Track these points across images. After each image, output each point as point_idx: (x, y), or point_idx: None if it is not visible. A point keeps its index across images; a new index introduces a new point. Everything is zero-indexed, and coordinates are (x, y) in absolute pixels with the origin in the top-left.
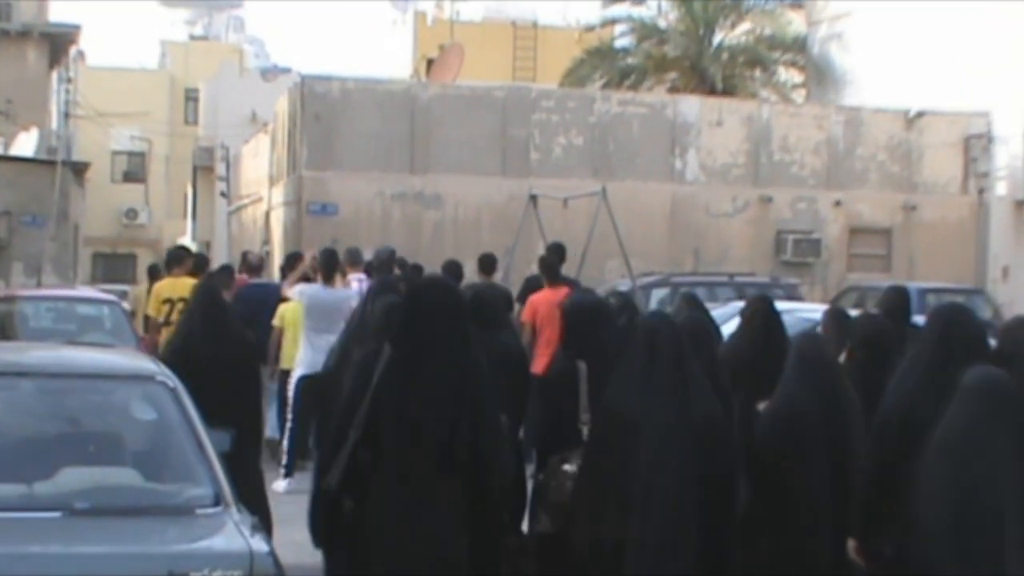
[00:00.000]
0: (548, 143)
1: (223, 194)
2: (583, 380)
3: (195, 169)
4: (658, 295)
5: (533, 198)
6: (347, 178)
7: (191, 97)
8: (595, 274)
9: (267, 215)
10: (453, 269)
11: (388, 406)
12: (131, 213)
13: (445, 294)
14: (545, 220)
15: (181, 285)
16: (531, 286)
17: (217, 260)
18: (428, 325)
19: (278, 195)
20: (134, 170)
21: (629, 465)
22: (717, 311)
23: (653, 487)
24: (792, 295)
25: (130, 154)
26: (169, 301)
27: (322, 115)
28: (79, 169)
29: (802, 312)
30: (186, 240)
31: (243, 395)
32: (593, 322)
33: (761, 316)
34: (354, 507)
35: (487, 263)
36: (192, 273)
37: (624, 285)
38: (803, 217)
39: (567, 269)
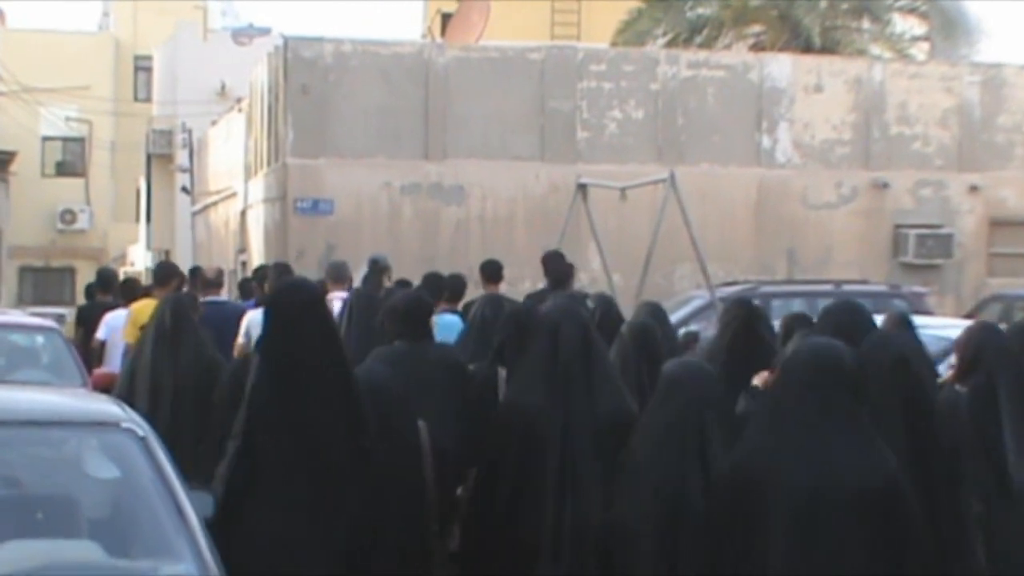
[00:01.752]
0: (599, 118)
1: (185, 190)
2: (503, 386)
3: (149, 158)
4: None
5: (581, 188)
6: (344, 167)
7: (142, 67)
8: (662, 283)
9: (243, 215)
10: (430, 282)
11: (262, 415)
12: (68, 215)
13: (302, 296)
14: (597, 216)
15: None
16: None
17: None
18: (290, 329)
19: (257, 190)
20: (71, 160)
21: (534, 464)
22: None
23: (559, 486)
24: (917, 307)
25: (65, 140)
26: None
27: (311, 87)
28: (1, 160)
29: (931, 329)
30: (139, 249)
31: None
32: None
33: (740, 321)
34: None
35: (491, 271)
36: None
37: (700, 297)
38: (928, 207)
39: (626, 275)
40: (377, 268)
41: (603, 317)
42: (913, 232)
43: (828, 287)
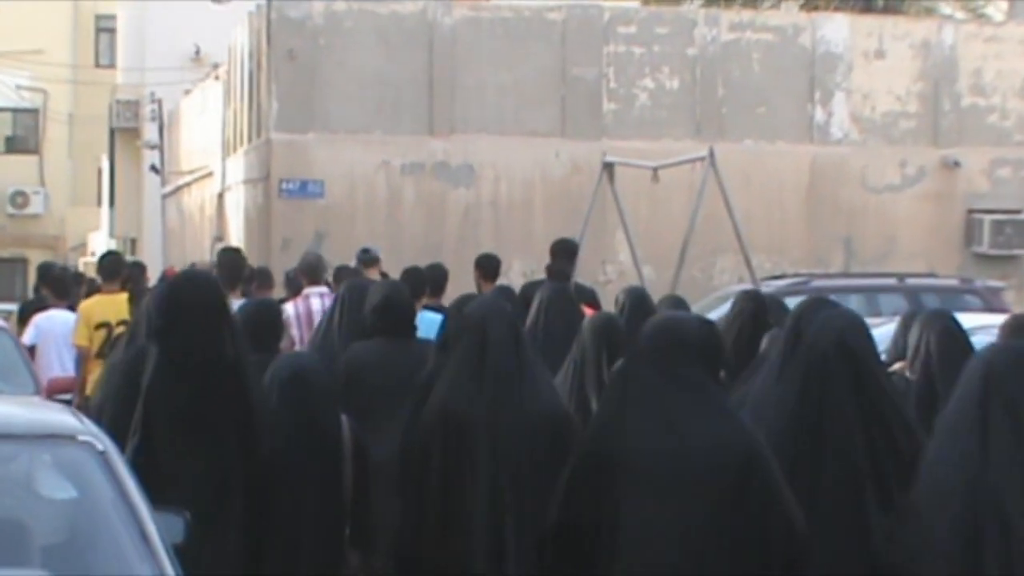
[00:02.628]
0: (628, 88)
1: (154, 169)
2: None
3: (112, 133)
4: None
5: (608, 168)
6: (336, 143)
7: (104, 28)
8: (699, 277)
9: (220, 199)
10: (410, 277)
11: (159, 408)
12: (19, 198)
13: (201, 288)
14: (626, 199)
15: (119, 303)
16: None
17: (150, 266)
18: (186, 321)
19: (236, 169)
20: (23, 135)
21: (465, 466)
22: (879, 330)
23: (487, 493)
24: (992, 304)
25: (16, 111)
26: (105, 326)
27: (299, 51)
28: None
29: None
30: (101, 236)
31: None
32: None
33: (748, 314)
34: None
35: (489, 267)
36: (126, 288)
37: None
38: (1006, 189)
39: (659, 267)
40: (368, 258)
41: (633, 311)
42: (988, 218)
43: (891, 281)
